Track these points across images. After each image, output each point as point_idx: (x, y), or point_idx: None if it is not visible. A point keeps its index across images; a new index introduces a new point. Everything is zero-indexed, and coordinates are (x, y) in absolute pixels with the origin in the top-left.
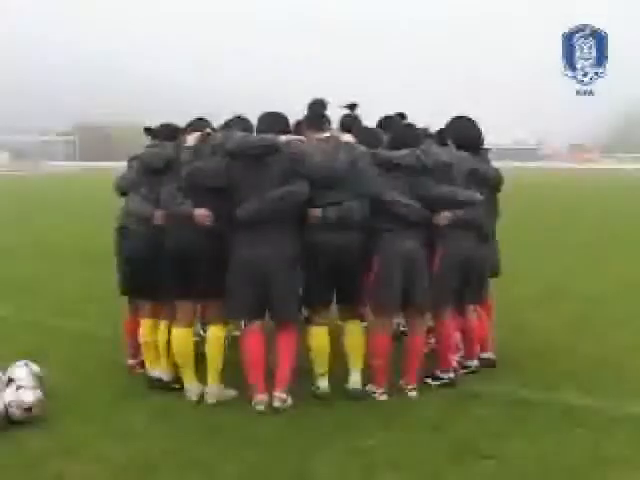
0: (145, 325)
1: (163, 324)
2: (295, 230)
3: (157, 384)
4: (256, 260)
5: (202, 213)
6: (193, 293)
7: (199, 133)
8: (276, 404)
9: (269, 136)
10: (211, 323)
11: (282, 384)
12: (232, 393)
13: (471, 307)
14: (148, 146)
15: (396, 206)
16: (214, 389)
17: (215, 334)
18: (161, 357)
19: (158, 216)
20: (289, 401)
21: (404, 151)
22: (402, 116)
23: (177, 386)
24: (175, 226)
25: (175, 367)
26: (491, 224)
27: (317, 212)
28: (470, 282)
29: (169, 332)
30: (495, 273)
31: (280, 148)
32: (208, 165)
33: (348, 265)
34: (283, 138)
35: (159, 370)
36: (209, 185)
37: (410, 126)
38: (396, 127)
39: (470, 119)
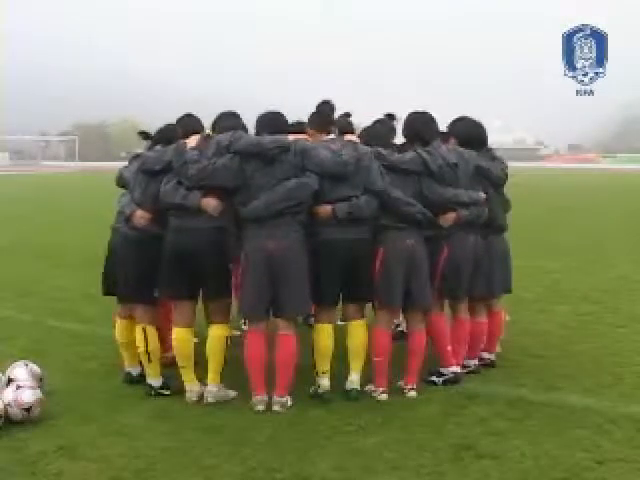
0: (120, 326)
1: (148, 330)
2: (304, 226)
3: (136, 379)
4: (266, 255)
5: (211, 202)
6: (193, 293)
7: (200, 135)
8: (276, 408)
9: (281, 137)
10: (213, 322)
11: (283, 388)
12: (232, 393)
13: (482, 306)
14: (149, 149)
15: (402, 204)
16: (214, 389)
17: (216, 333)
18: (151, 363)
19: (137, 215)
20: (289, 403)
21: (410, 154)
22: (391, 117)
23: (166, 392)
24: (174, 226)
25: (163, 371)
26: (502, 217)
27: (327, 208)
28: (478, 278)
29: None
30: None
31: (290, 147)
32: (218, 164)
33: (359, 262)
34: (291, 137)
35: (142, 370)
36: (217, 184)
37: (428, 123)
38: (413, 122)
39: (474, 119)
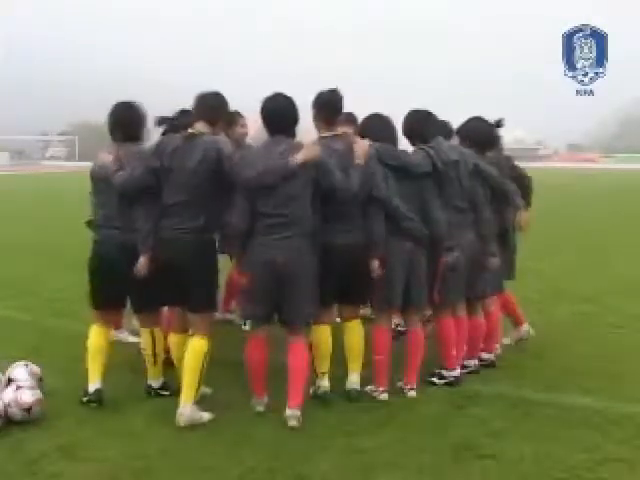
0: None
1: (155, 332)
2: (314, 235)
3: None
4: (273, 267)
5: (141, 266)
6: (181, 299)
7: (111, 155)
8: (293, 423)
9: (284, 164)
10: (194, 335)
11: (297, 399)
12: (206, 416)
13: (479, 305)
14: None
15: (401, 217)
16: (187, 410)
17: (195, 347)
18: (155, 365)
19: None
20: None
21: (419, 153)
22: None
23: (165, 393)
24: (159, 236)
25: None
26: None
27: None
28: (474, 278)
29: (152, 339)
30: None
31: (296, 168)
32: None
33: (358, 265)
34: (299, 159)
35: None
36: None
37: (427, 120)
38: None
39: (484, 119)
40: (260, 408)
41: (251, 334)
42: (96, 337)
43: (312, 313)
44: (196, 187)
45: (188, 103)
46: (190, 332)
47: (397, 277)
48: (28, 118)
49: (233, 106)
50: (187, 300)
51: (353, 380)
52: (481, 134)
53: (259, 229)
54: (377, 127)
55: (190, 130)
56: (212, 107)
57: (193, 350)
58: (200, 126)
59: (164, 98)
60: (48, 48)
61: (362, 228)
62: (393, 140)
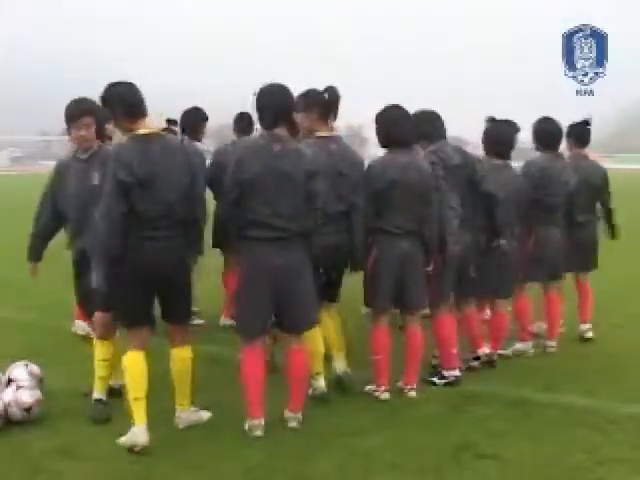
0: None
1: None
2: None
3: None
4: (271, 272)
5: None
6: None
7: None
8: (293, 424)
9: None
10: (175, 346)
11: (298, 404)
12: (206, 415)
13: (466, 306)
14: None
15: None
16: (184, 415)
17: (181, 356)
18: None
19: None
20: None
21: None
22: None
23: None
24: (139, 241)
25: None
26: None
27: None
28: (463, 279)
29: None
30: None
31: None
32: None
33: (341, 264)
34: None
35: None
36: None
37: (434, 121)
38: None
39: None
40: (258, 432)
41: (246, 347)
42: (108, 350)
43: (316, 317)
44: (179, 199)
45: (186, 103)
46: (176, 343)
47: (387, 280)
48: (28, 118)
49: (233, 104)
50: (171, 313)
51: (340, 366)
52: (497, 140)
53: (254, 234)
54: (395, 122)
55: (143, 131)
56: (140, 100)
57: (182, 360)
58: (150, 123)
59: (163, 98)
60: (50, 56)
61: (343, 229)
62: (412, 139)
